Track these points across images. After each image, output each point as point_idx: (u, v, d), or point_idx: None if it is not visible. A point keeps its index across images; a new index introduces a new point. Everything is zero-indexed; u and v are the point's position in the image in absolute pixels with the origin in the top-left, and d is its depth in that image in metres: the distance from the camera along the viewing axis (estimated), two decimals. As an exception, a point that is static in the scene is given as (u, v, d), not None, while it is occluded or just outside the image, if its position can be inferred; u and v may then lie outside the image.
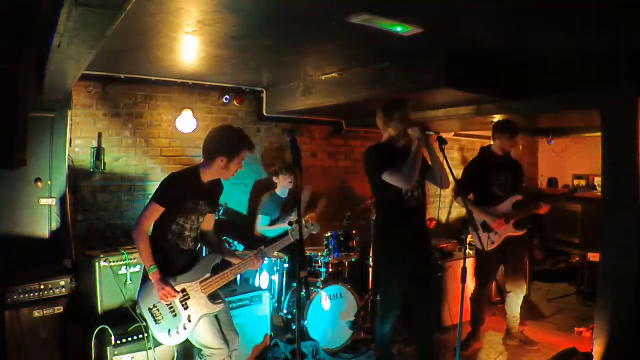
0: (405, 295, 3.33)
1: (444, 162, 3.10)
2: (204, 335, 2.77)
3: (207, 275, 2.83)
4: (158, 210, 2.73)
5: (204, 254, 3.35)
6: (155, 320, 2.74)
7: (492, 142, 4.24)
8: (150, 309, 2.75)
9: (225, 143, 2.80)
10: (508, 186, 4.15)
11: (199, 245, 3.01)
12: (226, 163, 2.79)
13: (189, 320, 2.74)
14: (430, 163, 3.36)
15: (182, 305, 2.75)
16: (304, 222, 2.85)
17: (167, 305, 2.74)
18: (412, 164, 3.10)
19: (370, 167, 3.31)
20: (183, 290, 2.76)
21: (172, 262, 2.79)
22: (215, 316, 2.88)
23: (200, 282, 2.80)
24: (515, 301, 4.17)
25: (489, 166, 4.15)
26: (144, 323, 3.09)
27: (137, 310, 2.84)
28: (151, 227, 2.82)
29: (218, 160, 2.79)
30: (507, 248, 4.07)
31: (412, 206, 3.27)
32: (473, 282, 4.31)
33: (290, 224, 3.13)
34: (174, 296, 2.71)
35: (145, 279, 2.77)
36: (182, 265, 2.82)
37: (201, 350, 2.82)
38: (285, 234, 3.16)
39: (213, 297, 2.84)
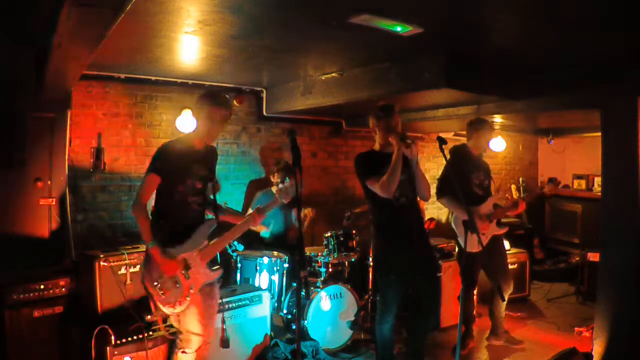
0: (405, 294, 3.31)
1: (444, 161, 3.08)
2: (188, 318, 2.79)
3: (205, 243, 2.90)
4: (154, 181, 2.79)
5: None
6: (161, 294, 2.77)
7: (467, 141, 4.20)
8: (155, 284, 2.77)
9: (198, 106, 2.92)
10: (485, 186, 4.14)
11: (206, 211, 3.05)
12: (201, 123, 2.90)
13: (191, 289, 2.79)
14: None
15: (184, 276, 2.79)
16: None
17: (171, 277, 2.77)
18: (391, 174, 3.09)
19: (357, 174, 3.38)
20: (184, 261, 2.81)
21: (177, 230, 2.84)
22: (204, 305, 2.89)
23: (200, 251, 2.86)
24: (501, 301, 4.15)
25: (468, 166, 4.10)
26: (142, 322, 3.10)
27: (143, 286, 2.85)
28: (153, 200, 2.86)
29: (199, 123, 2.92)
30: (491, 247, 4.03)
31: (402, 204, 3.27)
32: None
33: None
34: (177, 268, 2.75)
35: (148, 255, 2.81)
36: (187, 232, 2.86)
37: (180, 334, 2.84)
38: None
39: (211, 264, 2.92)
